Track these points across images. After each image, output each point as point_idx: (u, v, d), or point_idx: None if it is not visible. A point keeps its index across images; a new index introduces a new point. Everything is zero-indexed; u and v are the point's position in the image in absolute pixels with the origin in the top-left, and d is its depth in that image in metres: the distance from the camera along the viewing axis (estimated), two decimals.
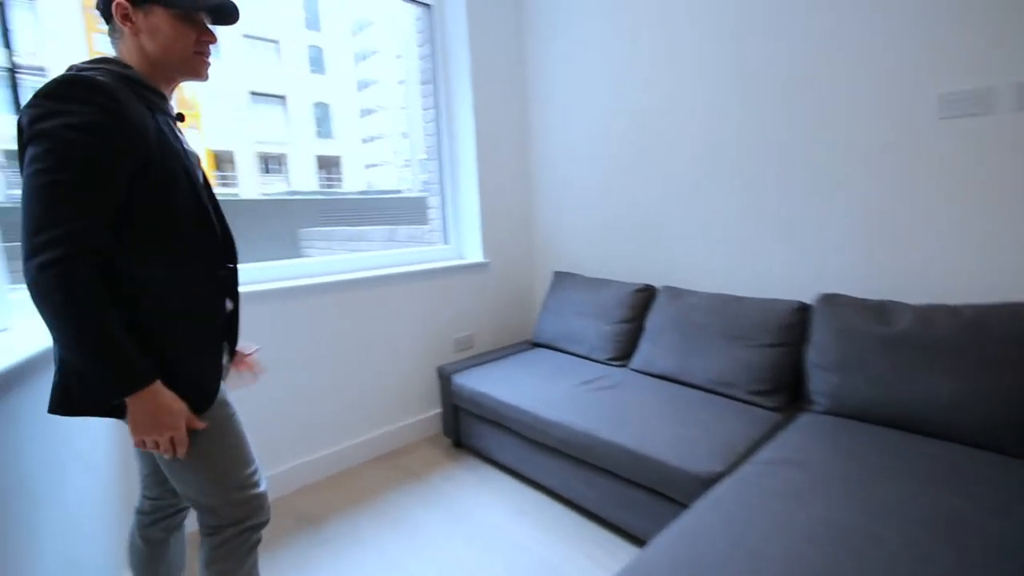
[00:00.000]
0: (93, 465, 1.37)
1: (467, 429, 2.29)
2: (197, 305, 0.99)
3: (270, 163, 19.47)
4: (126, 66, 0.95)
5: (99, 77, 0.87)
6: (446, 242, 2.80)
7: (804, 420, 1.63)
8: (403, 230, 3.46)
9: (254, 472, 1.10)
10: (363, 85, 22.68)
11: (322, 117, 21.12)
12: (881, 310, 1.62)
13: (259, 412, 1.98)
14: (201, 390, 1.00)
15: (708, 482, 1.39)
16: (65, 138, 0.81)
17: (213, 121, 17.04)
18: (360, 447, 2.30)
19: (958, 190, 1.60)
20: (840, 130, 1.79)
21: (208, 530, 1.06)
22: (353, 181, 21.88)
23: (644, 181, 2.36)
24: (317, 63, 20.78)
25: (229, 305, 1.11)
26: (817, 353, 1.71)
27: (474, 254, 2.74)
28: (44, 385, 0.99)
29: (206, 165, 1.27)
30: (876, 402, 1.55)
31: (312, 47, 20.55)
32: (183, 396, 0.95)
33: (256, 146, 18.66)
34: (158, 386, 0.90)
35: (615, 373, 2.14)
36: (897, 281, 1.73)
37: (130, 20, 0.95)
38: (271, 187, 18.60)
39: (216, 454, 1.03)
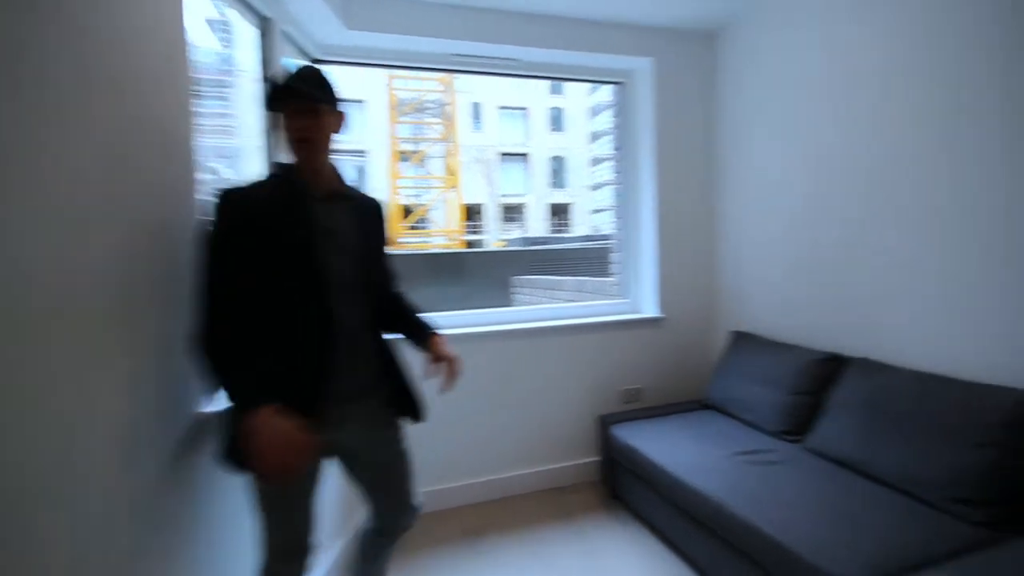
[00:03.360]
0: None
1: (622, 481, 2.35)
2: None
3: (511, 213, 22.26)
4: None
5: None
6: (624, 295, 2.94)
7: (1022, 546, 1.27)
8: (590, 282, 3.72)
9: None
10: (596, 136, 24.29)
11: (558, 169, 23.27)
12: None
13: (444, 433, 2.44)
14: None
15: None
16: None
17: (470, 181, 20.52)
18: (525, 478, 2.57)
19: None
20: None
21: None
22: (580, 226, 23.31)
23: (837, 238, 2.12)
24: (557, 121, 23.16)
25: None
26: None
27: (650, 309, 2.81)
28: None
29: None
30: None
31: (553, 108, 23.04)
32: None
33: (501, 199, 21.68)
34: None
35: (783, 448, 1.95)
36: None
37: None
38: (509, 234, 21.21)
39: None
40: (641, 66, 2.74)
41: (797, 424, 2.04)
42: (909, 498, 1.55)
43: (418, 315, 1.46)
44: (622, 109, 2.89)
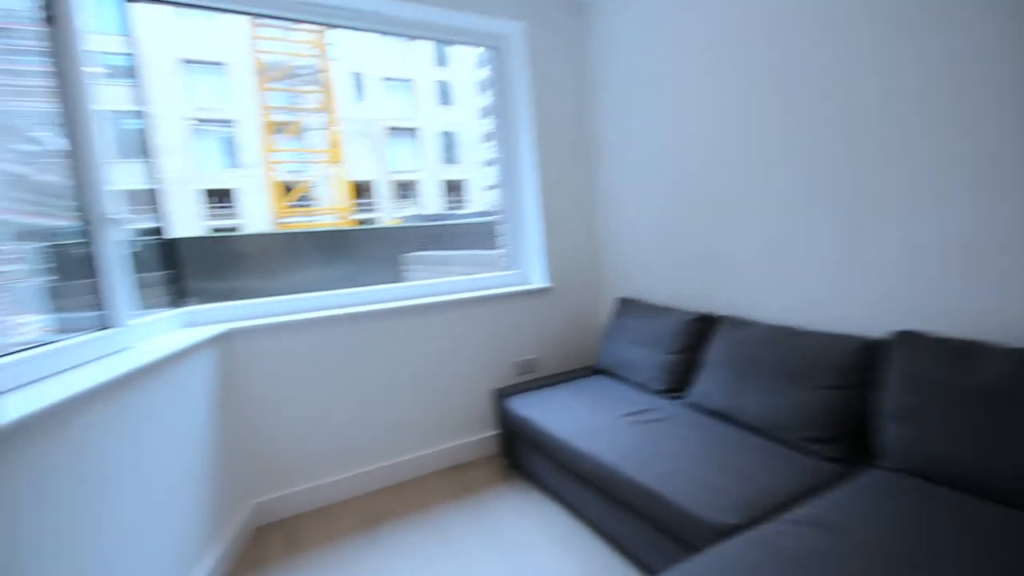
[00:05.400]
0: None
1: (520, 452, 2.34)
2: None
3: (404, 190, 21.49)
4: None
5: None
6: (513, 267, 2.90)
7: (866, 477, 1.42)
8: (480, 255, 3.65)
9: None
10: (486, 112, 24.06)
11: (449, 144, 22.81)
12: (967, 354, 1.36)
13: (336, 420, 2.25)
14: None
15: (720, 533, 1.28)
16: None
17: (356, 156, 19.36)
18: (424, 460, 2.47)
19: None
20: (934, 139, 1.54)
21: None
22: (476, 203, 23.21)
23: (707, 207, 2.24)
24: (445, 95, 22.58)
25: None
26: (888, 399, 1.48)
27: (538, 279, 2.80)
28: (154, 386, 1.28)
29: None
30: (954, 462, 1.31)
31: (440, 82, 22.39)
32: None
33: (391, 175, 20.78)
34: None
35: (666, 406, 2.04)
36: (994, 319, 1.43)
37: None
38: (404, 211, 20.49)
39: None
40: (514, 30, 2.65)
41: (677, 381, 2.15)
42: (772, 441, 1.68)
43: None
44: (498, 77, 2.79)
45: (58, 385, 1.21)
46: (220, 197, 16.97)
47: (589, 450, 1.76)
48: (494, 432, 2.63)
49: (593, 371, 2.60)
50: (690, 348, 2.15)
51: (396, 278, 5.26)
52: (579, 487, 1.90)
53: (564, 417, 2.04)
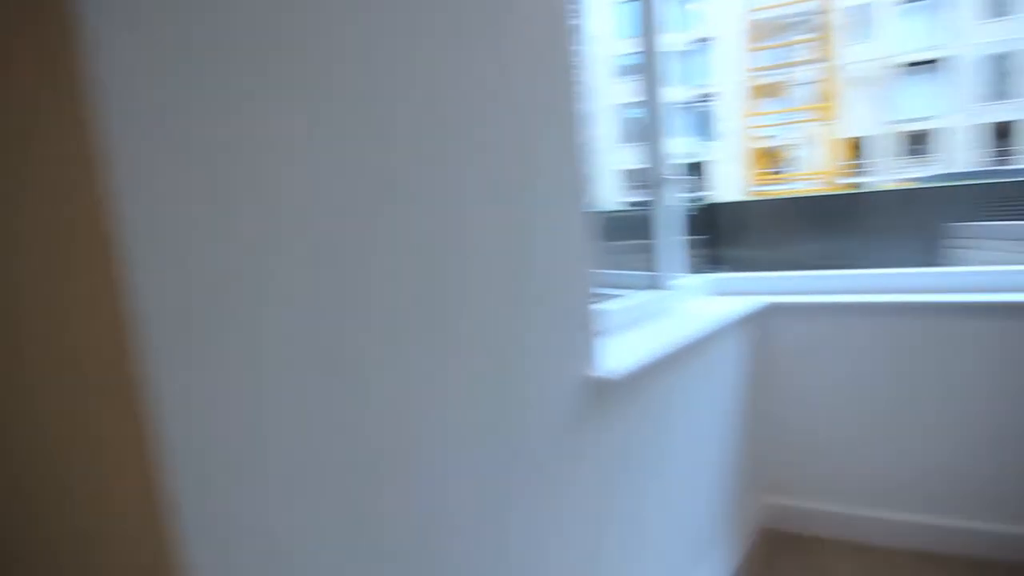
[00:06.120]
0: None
1: None
2: None
3: (916, 143, 16.70)
4: None
5: None
6: None
7: None
8: None
9: None
10: None
11: (1000, 73, 16.07)
12: None
13: (887, 441, 1.72)
14: None
15: None
16: None
17: (852, 108, 16.22)
18: (1005, 538, 1.60)
19: None
20: None
21: None
22: None
23: None
24: (999, 5, 15.85)
25: None
26: None
27: None
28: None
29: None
30: None
31: None
32: None
33: (898, 126, 16.44)
34: None
35: None
36: None
37: None
38: (915, 172, 15.96)
39: None
40: None
41: None
42: None
43: None
44: None
45: (633, 339, 1.26)
46: (690, 170, 17.99)
47: None
48: None
49: None
50: None
51: (932, 258, 3.90)
52: None
53: None
